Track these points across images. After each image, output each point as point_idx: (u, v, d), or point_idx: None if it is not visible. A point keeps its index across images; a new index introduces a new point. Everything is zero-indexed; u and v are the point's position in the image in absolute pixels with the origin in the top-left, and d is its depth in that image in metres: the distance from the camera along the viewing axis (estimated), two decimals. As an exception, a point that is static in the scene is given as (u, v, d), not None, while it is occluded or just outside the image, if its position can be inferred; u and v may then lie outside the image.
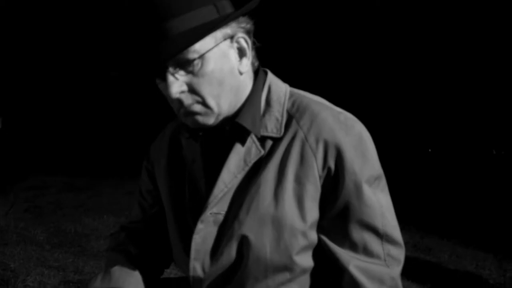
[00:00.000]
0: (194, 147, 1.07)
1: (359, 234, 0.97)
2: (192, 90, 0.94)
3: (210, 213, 0.99)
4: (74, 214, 4.90)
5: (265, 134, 1.00)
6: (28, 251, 3.80)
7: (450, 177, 7.01)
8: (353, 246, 0.97)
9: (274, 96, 1.03)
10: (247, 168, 0.99)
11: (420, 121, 8.29)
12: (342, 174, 0.95)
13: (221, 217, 1.00)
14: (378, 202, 0.97)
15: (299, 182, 0.96)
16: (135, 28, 0.94)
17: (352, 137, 0.97)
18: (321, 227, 0.99)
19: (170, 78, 0.93)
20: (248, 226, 0.96)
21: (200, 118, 0.97)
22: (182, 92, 0.94)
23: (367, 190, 0.96)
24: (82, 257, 3.70)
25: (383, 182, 1.01)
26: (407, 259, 0.96)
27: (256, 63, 1.05)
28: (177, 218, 1.09)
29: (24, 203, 5.24)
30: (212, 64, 0.93)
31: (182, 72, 0.93)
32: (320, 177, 0.96)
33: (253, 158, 0.99)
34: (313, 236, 0.98)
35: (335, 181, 0.96)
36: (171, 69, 0.92)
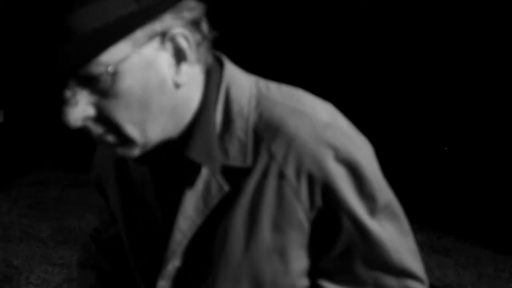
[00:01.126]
0: (142, 169, 0.86)
1: (367, 274, 0.82)
2: (101, 115, 0.68)
3: (169, 267, 0.83)
4: (78, 210, 4.90)
5: (227, 163, 0.77)
6: (32, 248, 3.80)
7: (468, 175, 6.94)
8: (362, 284, 0.83)
9: (235, 106, 0.78)
10: (207, 212, 0.79)
11: (435, 118, 8.23)
12: (337, 214, 0.77)
13: (182, 270, 0.83)
14: (388, 236, 0.80)
15: (279, 230, 0.78)
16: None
17: (344, 164, 0.76)
18: (319, 271, 0.84)
19: (68, 100, 0.67)
20: (220, 285, 0.81)
21: (119, 150, 0.73)
22: (87, 118, 0.68)
23: (372, 225, 0.79)
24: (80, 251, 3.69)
25: (393, 207, 0.82)
26: (422, 260, 0.88)
27: (209, 59, 0.76)
28: (135, 251, 0.92)
29: (27, 198, 5.24)
30: (129, 79, 0.66)
31: (86, 91, 0.67)
32: (307, 219, 0.77)
33: (214, 198, 0.78)
34: (304, 282, 0.84)
35: (328, 223, 0.78)
36: (69, 87, 0.66)
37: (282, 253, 0.79)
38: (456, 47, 8.17)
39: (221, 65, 0.80)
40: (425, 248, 4.26)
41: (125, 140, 0.71)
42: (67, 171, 6.33)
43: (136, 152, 0.73)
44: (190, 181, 0.78)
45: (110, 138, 0.71)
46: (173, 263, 0.82)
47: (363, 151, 0.78)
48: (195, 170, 0.77)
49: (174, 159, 0.79)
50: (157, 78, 0.68)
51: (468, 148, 8.06)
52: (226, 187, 0.77)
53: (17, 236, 4.00)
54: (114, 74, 0.65)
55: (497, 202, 5.89)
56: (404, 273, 0.83)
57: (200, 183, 0.77)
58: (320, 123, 0.76)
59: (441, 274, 3.85)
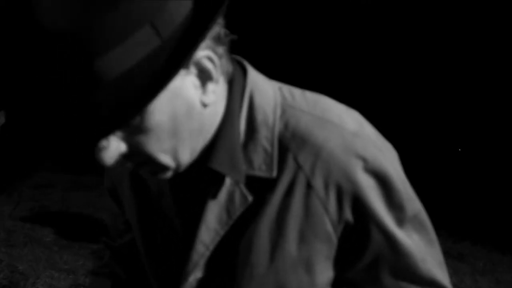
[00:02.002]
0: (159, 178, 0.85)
1: (394, 284, 0.81)
2: (134, 149, 0.69)
3: (191, 279, 0.81)
4: (82, 214, 4.87)
5: (251, 173, 0.75)
6: (36, 253, 3.77)
7: (484, 179, 6.90)
8: None
9: (259, 115, 0.76)
10: (231, 222, 0.77)
11: (448, 120, 8.20)
12: (366, 226, 0.77)
13: (204, 282, 0.81)
14: (416, 246, 0.81)
15: (305, 241, 0.77)
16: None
17: (373, 175, 0.76)
18: (345, 281, 0.83)
19: (101, 142, 0.67)
20: None
21: (161, 175, 0.74)
22: (121, 155, 0.68)
23: (400, 236, 0.79)
24: (93, 259, 3.66)
25: (420, 217, 0.82)
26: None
27: (231, 67, 0.75)
28: (152, 261, 0.91)
29: (30, 202, 5.21)
30: (158, 114, 0.66)
31: (117, 132, 0.67)
32: (334, 231, 0.77)
33: (238, 209, 0.76)
34: None
35: (357, 234, 0.78)
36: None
37: (308, 265, 0.78)
38: (456, 47, 8.17)
39: (243, 71, 0.78)
40: (440, 254, 4.23)
41: (160, 168, 0.72)
42: (69, 173, 6.29)
43: (169, 174, 0.74)
44: (213, 192, 0.77)
45: (145, 167, 0.72)
46: (195, 275, 0.80)
47: (390, 160, 0.78)
48: (218, 180, 0.76)
49: (195, 168, 0.77)
50: (185, 105, 0.68)
51: (485, 151, 8.02)
52: (250, 198, 0.76)
53: (20, 241, 3.97)
54: (142, 113, 0.64)
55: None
56: (431, 284, 0.82)
57: (223, 194, 0.76)
58: (348, 133, 0.75)
59: (458, 280, 3.81)
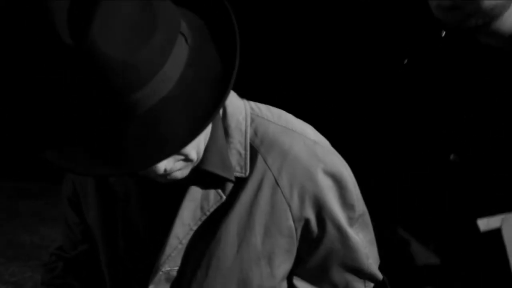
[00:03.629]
0: (127, 181, 0.92)
1: (341, 276, 0.96)
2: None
3: (162, 271, 0.90)
4: (30, 223, 4.79)
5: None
6: (-20, 266, 3.70)
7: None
8: (335, 286, 0.97)
9: (232, 122, 0.89)
10: (204, 218, 0.88)
11: (448, 121, 8.38)
12: (323, 222, 0.90)
13: (174, 273, 0.91)
14: (362, 242, 0.95)
15: (269, 235, 0.89)
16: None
17: (331, 177, 0.90)
18: (298, 274, 0.97)
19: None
20: (209, 287, 0.89)
21: (178, 174, 0.82)
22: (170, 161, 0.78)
23: (350, 233, 0.93)
24: (42, 272, 3.63)
25: (365, 218, 0.97)
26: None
27: None
28: (112, 266, 0.98)
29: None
30: None
31: None
32: (296, 228, 0.90)
33: (212, 206, 0.87)
34: (284, 285, 0.96)
35: (315, 230, 0.91)
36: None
37: (270, 258, 0.90)
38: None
39: None
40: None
41: (186, 164, 0.81)
42: (16, 180, 6.14)
43: (187, 172, 0.83)
44: (190, 191, 0.87)
45: (178, 165, 0.79)
46: (165, 268, 0.90)
47: (344, 165, 0.93)
48: (197, 182, 0.86)
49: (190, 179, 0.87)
50: None
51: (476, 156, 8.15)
52: (224, 197, 0.87)
53: (-38, 253, 3.89)
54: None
55: None
56: (371, 277, 0.98)
57: (199, 192, 0.87)
58: (309, 141, 0.91)
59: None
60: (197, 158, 0.82)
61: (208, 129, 0.83)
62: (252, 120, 0.90)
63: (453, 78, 1.05)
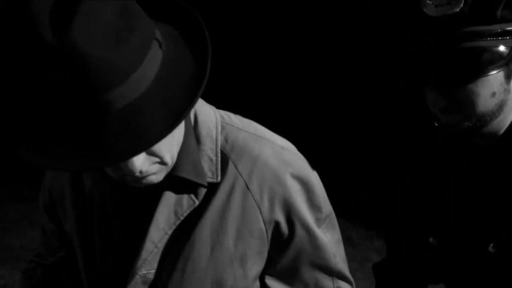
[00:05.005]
0: (103, 187, 0.95)
1: (311, 274, 1.00)
2: (150, 152, 0.80)
3: (139, 275, 0.92)
4: (18, 227, 4.80)
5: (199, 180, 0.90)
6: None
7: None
8: (304, 285, 1.01)
9: (203, 130, 0.92)
10: (178, 222, 0.91)
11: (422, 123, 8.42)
12: (292, 224, 0.95)
13: (151, 276, 0.93)
14: (329, 242, 1.00)
15: (241, 238, 0.92)
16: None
17: (299, 180, 0.94)
18: (270, 273, 1.01)
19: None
20: None
21: (154, 178, 0.83)
22: (145, 160, 0.79)
23: (318, 233, 0.97)
24: (21, 279, 3.62)
25: (332, 218, 1.02)
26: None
27: None
28: (89, 271, 1.00)
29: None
30: None
31: None
32: (266, 230, 0.94)
33: (185, 211, 0.90)
34: (257, 285, 1.00)
35: (285, 231, 0.95)
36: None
37: (242, 259, 0.93)
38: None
39: None
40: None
41: (161, 168, 0.83)
42: (4, 184, 6.12)
43: (162, 176, 0.85)
44: (164, 196, 0.89)
45: (153, 168, 0.81)
46: (142, 271, 0.92)
47: (311, 170, 0.98)
48: (168, 186, 0.89)
49: (163, 184, 0.89)
50: None
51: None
52: (197, 202, 0.90)
53: (-48, 256, 3.87)
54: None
55: None
56: (339, 275, 1.03)
57: (172, 198, 0.89)
58: (277, 147, 0.95)
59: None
60: (171, 163, 0.84)
61: (181, 136, 0.86)
62: (223, 128, 0.94)
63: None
